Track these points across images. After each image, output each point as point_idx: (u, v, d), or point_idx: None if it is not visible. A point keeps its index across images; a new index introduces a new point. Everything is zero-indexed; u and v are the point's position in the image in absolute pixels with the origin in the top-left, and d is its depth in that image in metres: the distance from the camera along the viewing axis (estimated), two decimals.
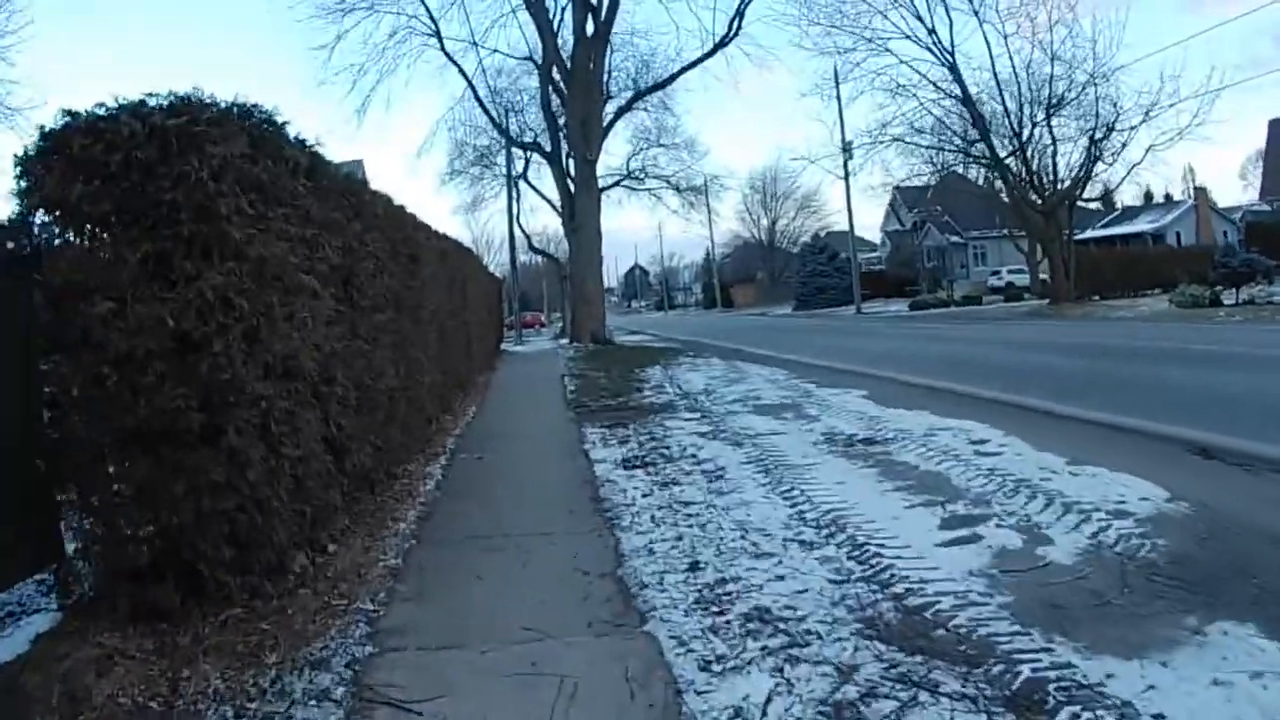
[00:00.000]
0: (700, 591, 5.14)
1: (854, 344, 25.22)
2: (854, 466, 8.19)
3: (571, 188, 30.31)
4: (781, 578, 5.33)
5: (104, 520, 4.83)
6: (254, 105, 5.37)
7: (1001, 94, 38.41)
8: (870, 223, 76.70)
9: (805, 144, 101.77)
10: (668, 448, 9.44)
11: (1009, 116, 38.49)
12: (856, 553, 5.73)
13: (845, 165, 53.86)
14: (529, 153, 44.11)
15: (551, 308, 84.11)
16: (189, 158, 4.74)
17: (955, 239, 65.55)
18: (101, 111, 4.85)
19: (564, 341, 33.57)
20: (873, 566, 5.47)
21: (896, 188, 72.15)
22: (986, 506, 6.59)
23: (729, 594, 5.09)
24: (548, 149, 33.00)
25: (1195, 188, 64.65)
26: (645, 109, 41.47)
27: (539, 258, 62.11)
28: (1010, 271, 59.05)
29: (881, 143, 40.88)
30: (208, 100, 5.00)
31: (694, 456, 8.95)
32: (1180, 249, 51.25)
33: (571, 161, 30.57)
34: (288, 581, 5.51)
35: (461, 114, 39.12)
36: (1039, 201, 39.28)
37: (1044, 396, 11.59)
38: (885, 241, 78.39)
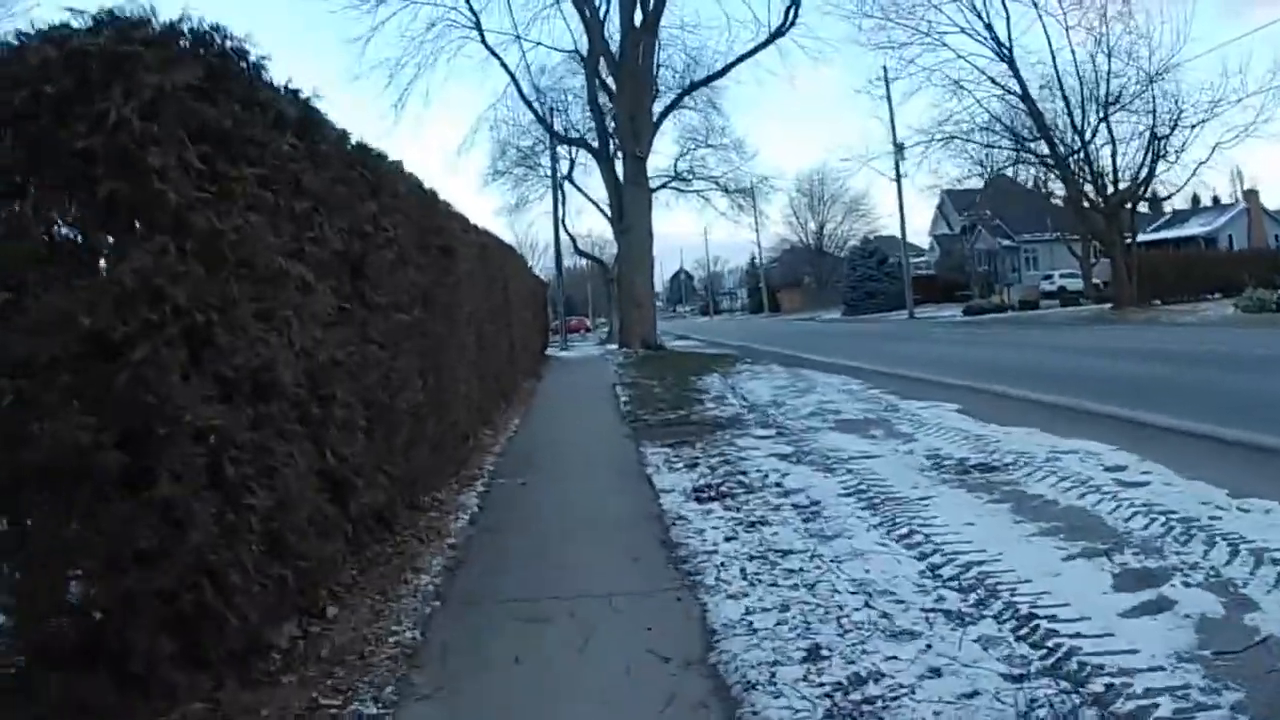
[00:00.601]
0: (831, 699, 3.59)
1: (919, 350, 23.57)
2: (978, 501, 6.60)
3: (620, 186, 28.94)
4: (937, 672, 3.78)
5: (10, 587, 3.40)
6: (216, 26, 3.90)
7: (1062, 89, 36.55)
8: (918, 227, 74.68)
9: (855, 145, 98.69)
10: (744, 473, 7.90)
11: (1070, 113, 36.64)
12: (1025, 630, 4.17)
13: (897, 166, 52.22)
14: (575, 151, 42.83)
15: (596, 312, 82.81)
16: (112, 90, 3.31)
17: (1006, 242, 63.56)
18: (14, 41, 3.45)
19: (611, 347, 32.13)
20: (1052, 651, 3.92)
21: (945, 191, 70.68)
22: (1161, 557, 5.01)
23: (872, 703, 3.55)
24: (595, 146, 31.64)
25: (1245, 191, 62.19)
26: (693, 107, 40.05)
27: (584, 261, 60.89)
28: (1063, 275, 57.17)
29: (939, 140, 39.02)
30: (144, 15, 3.56)
31: (779, 485, 7.40)
32: (1238, 252, 49.23)
33: (620, 160, 29.17)
34: (270, 662, 4.08)
35: (504, 111, 37.66)
36: (1100, 202, 37.33)
37: (1157, 410, 9.94)
38: (934, 246, 76.49)
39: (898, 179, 52.73)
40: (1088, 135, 36.47)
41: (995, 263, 65.68)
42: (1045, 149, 38.96)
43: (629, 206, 27.84)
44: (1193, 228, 60.33)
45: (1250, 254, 45.51)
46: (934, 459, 8.10)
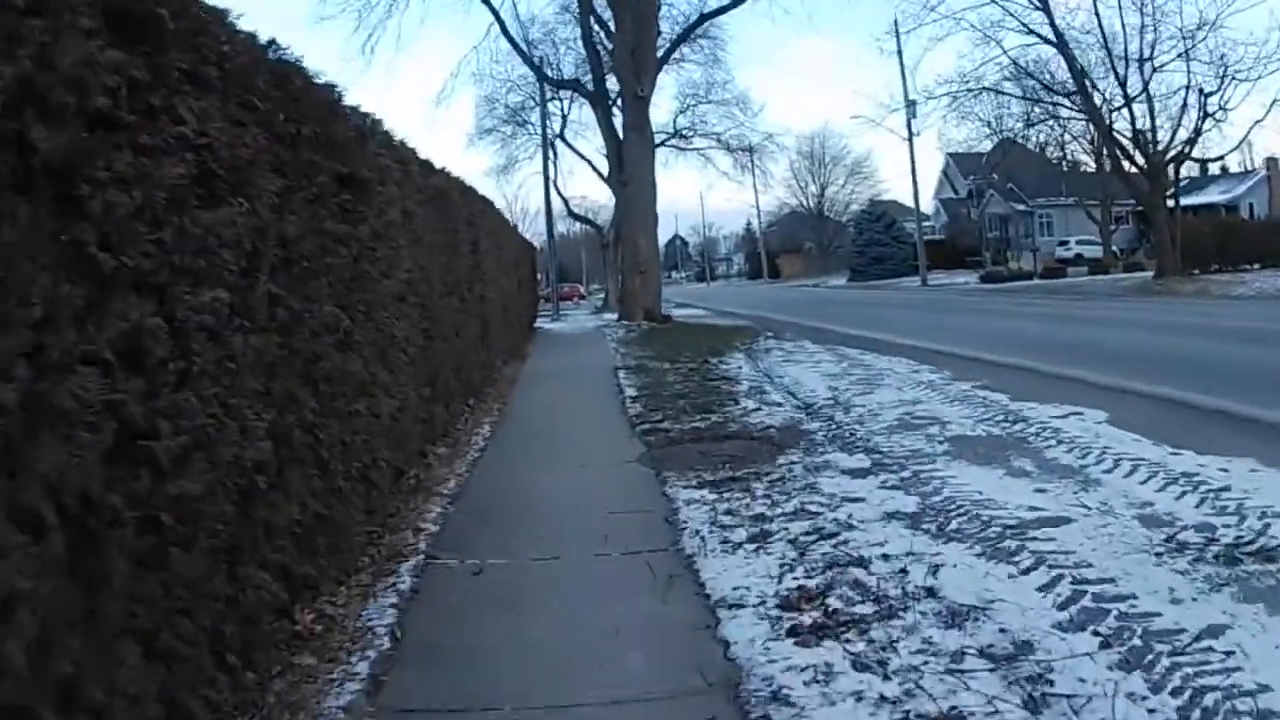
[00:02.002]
0: None
1: (964, 323, 20.22)
2: None
3: (620, 133, 25.21)
4: None
5: None
6: None
7: (1104, 38, 32.89)
8: (922, 191, 70.90)
9: (862, 105, 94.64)
10: (856, 559, 4.52)
11: (1113, 64, 33.00)
12: None
13: (909, 124, 48.67)
14: (568, 106, 39.31)
15: (591, 279, 79.23)
16: None
17: (1020, 207, 60.06)
18: None
19: (609, 317, 28.66)
20: None
21: (950, 155, 67.35)
22: None
23: None
24: (590, 90, 27.80)
25: (1267, 158, 58.74)
26: (696, 60, 36.67)
27: (578, 227, 57.45)
28: (1079, 242, 54.02)
29: (967, 91, 35.39)
30: None
31: (930, 594, 4.05)
32: (1271, 221, 45.86)
33: (620, 106, 25.53)
34: None
35: (487, 58, 34.26)
36: (1143, 163, 33.78)
37: None
38: (939, 210, 72.87)
39: (909, 138, 49.24)
40: (1132, 88, 32.82)
41: (1007, 228, 62.28)
42: (1072, 105, 35.44)
43: (629, 156, 24.13)
44: (1213, 194, 57.00)
45: None
46: (1155, 526, 4.80)
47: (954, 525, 5.00)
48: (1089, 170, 54.51)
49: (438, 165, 8.88)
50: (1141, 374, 10.10)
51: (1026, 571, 4.35)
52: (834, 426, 7.99)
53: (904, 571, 4.34)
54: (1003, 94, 36.09)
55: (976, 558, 4.53)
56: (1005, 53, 34.99)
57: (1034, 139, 52.43)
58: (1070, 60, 33.27)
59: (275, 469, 3.63)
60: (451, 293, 8.65)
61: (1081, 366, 11.04)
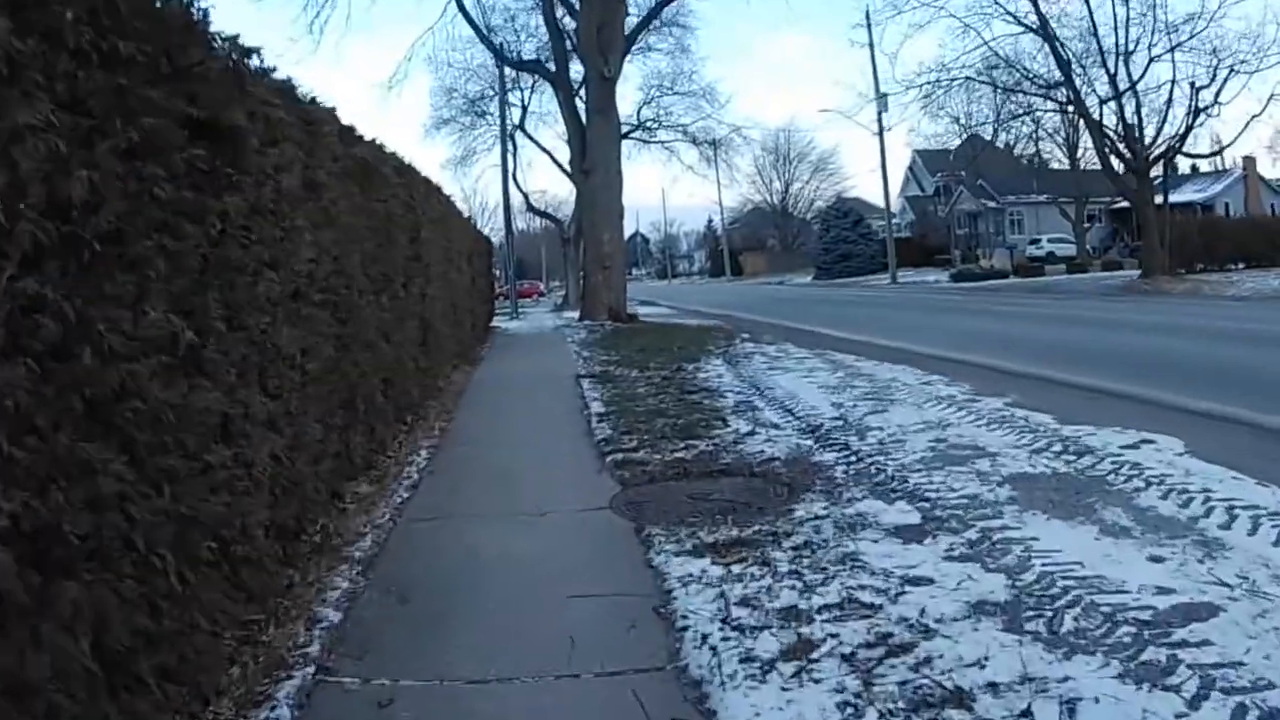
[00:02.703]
0: None
1: (952, 323, 18.91)
2: None
3: (584, 118, 23.52)
4: None
5: None
6: None
7: (1095, 30, 31.73)
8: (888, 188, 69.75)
9: (830, 99, 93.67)
10: (948, 690, 3.01)
11: (1102, 55, 31.82)
12: None
13: (880, 118, 47.58)
14: (528, 96, 37.77)
15: (551, 277, 77.55)
16: None
17: (991, 204, 59.07)
18: None
19: (569, 315, 27.06)
20: None
21: (918, 151, 66.47)
22: None
23: None
24: (552, 72, 25.90)
25: (1244, 157, 58.18)
26: (661, 48, 35.33)
27: (538, 222, 55.84)
28: (1051, 240, 53.17)
29: (952, 80, 34.08)
30: None
31: None
32: (1258, 220, 45.05)
33: (583, 89, 23.91)
34: None
35: (443, 37, 32.55)
36: (1130, 158, 32.67)
37: None
38: (905, 208, 71.86)
39: (880, 132, 48.14)
40: (1121, 81, 31.67)
41: (977, 225, 61.39)
42: (1056, 99, 34.36)
43: (593, 142, 22.34)
44: (1188, 193, 56.31)
45: (1271, 222, 41.61)
46: None
47: (1068, 624, 3.54)
48: (1061, 168, 53.99)
49: (395, 149, 7.37)
50: (1193, 388, 8.74)
51: (1195, 703, 2.94)
52: (854, 458, 6.52)
53: (1028, 717, 2.89)
54: (988, 84, 34.72)
55: (1120, 683, 3.08)
56: (987, 43, 33.83)
57: (1003, 137, 51.78)
58: (1056, 50, 32.11)
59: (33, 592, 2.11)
60: (381, 290, 7.10)
61: (1118, 378, 9.68)
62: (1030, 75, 34.53)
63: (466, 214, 21.12)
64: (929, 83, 33.83)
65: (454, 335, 12.62)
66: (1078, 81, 32.53)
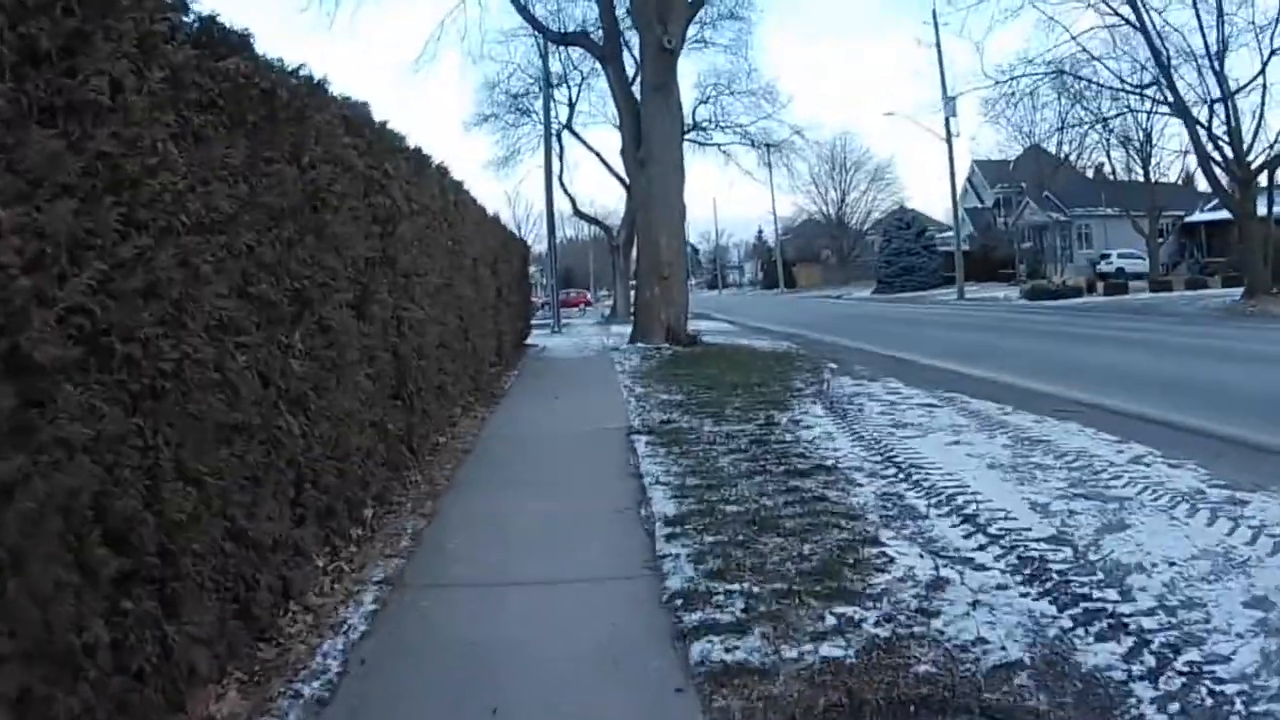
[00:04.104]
0: None
1: (1065, 353, 15.39)
2: None
3: (637, 103, 19.46)
4: None
5: None
6: None
7: (1200, 26, 27.91)
8: (943, 199, 66.00)
9: (900, 102, 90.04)
10: None
11: (1209, 53, 27.94)
12: None
13: (948, 123, 44.01)
14: (576, 93, 34.51)
15: (598, 285, 74.31)
16: None
17: (1059, 217, 54.89)
18: None
19: (616, 331, 23.70)
20: None
21: (976, 162, 62.67)
22: None
23: None
24: (600, 46, 22.26)
25: None
26: (719, 43, 32.05)
27: (586, 230, 52.71)
28: (1121, 255, 48.90)
29: (1043, 75, 30.46)
30: None
31: None
32: None
33: (639, 65, 20.52)
34: None
35: (475, 11, 29.34)
36: (1233, 166, 28.78)
37: None
38: (964, 220, 67.91)
39: (948, 137, 44.47)
40: (1227, 79, 27.85)
41: (1043, 239, 57.34)
42: (1153, 98, 30.58)
43: (651, 126, 18.04)
44: (1261, 206, 52.09)
45: None
46: None
47: None
48: (1122, 179, 50.16)
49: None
50: None
51: None
52: (1148, 653, 3.23)
53: None
54: (1079, 80, 31.04)
55: None
56: (1074, 38, 30.25)
57: (1066, 146, 48.21)
58: (1154, 45, 28.34)
59: None
60: (283, 319, 3.84)
61: None
62: (1118, 76, 30.91)
63: (504, 221, 17.90)
64: (1016, 77, 30.22)
65: (465, 367, 9.28)
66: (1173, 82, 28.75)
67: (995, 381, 11.47)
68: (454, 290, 8.41)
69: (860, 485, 5.98)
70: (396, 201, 5.90)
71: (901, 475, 6.27)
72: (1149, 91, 30.45)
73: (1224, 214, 50.43)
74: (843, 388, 10.77)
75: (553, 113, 31.78)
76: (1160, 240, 49.71)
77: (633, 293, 36.72)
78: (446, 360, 7.89)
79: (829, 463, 6.63)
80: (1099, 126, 39.10)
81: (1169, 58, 28.61)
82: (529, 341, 20.14)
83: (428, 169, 7.56)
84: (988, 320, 26.10)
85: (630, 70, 22.64)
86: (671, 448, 7.34)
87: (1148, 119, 41.26)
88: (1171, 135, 40.67)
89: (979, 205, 64.81)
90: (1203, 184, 49.85)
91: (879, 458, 6.85)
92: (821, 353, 15.89)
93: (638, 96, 19.62)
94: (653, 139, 18.00)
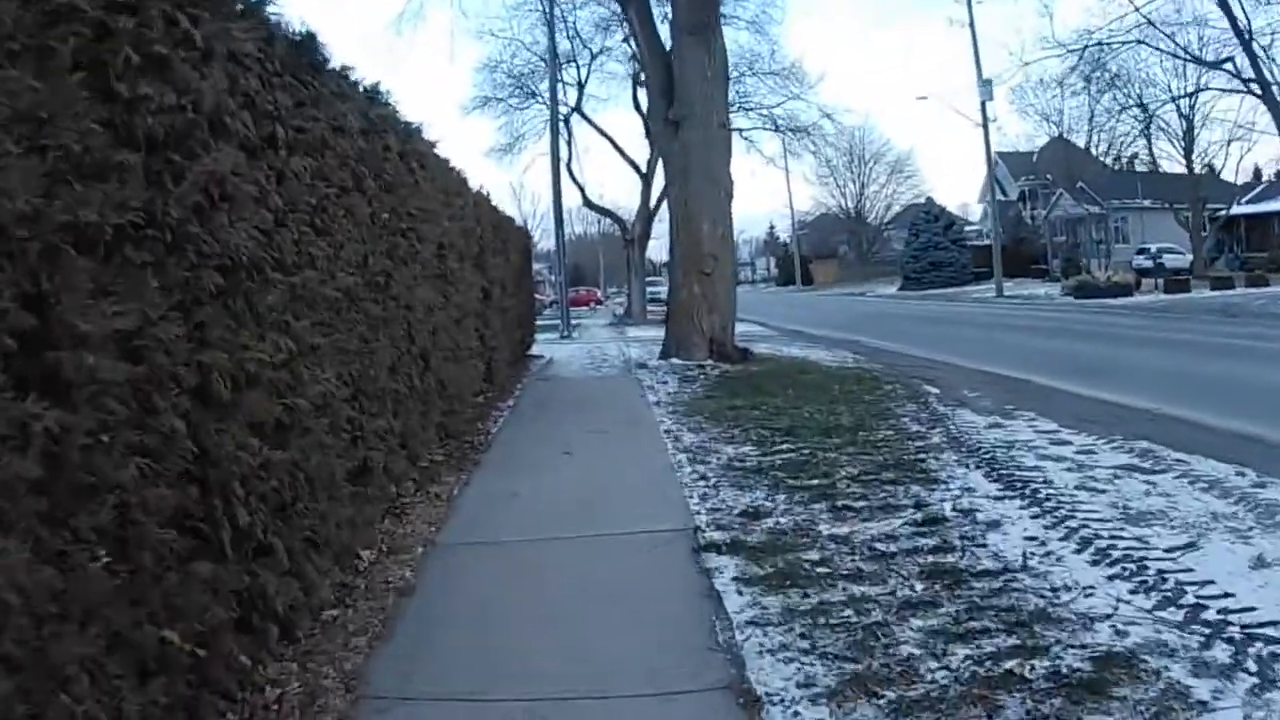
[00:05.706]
0: None
1: (1188, 365, 12.47)
2: None
3: (665, 51, 15.07)
4: None
5: None
6: None
7: None
8: (967, 192, 62.91)
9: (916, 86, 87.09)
10: None
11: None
12: None
13: (984, 108, 40.60)
14: (585, 73, 31.30)
15: (609, 282, 71.05)
16: None
17: (1095, 210, 51.49)
18: None
19: (634, 335, 20.48)
20: None
21: (1000, 154, 59.37)
22: None
23: None
24: None
25: None
26: (741, 16, 28.84)
27: (595, 224, 49.48)
28: (1161, 250, 45.45)
29: (1121, 45, 27.51)
30: None
31: None
32: None
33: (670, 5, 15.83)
34: None
35: None
36: None
37: None
38: (987, 213, 64.81)
39: (985, 124, 41.07)
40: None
41: (1077, 232, 54.04)
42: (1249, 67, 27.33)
43: (686, 76, 14.03)
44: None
45: None
46: None
47: None
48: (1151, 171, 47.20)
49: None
50: None
51: None
52: None
53: None
54: (1156, 50, 28.02)
55: None
56: (1138, 9, 27.16)
57: (1097, 136, 45.50)
58: (1232, 15, 25.18)
59: None
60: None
61: None
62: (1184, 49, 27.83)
63: (507, 213, 14.64)
64: (1085, 46, 27.24)
65: (435, 407, 6.04)
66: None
67: (1173, 417, 8.26)
68: (392, 295, 5.08)
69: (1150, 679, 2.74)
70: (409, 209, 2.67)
71: (1254, 673, 3.02)
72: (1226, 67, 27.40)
73: (1264, 206, 47.88)
74: (977, 430, 7.50)
75: (560, 95, 28.64)
76: (1204, 234, 46.60)
77: (649, 289, 33.16)
78: (420, 398, 4.67)
79: (1103, 637, 3.37)
80: (1137, 111, 36.43)
81: (1249, 32, 25.47)
82: (533, 352, 16.70)
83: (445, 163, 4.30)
84: (1054, 322, 22.62)
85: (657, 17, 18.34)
86: (785, 588, 4.02)
87: (1190, 105, 38.64)
88: (1215, 122, 37.33)
89: (1003, 198, 61.70)
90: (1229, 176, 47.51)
91: (1176, 612, 3.59)
92: (901, 368, 12.61)
93: (666, 44, 15.39)
94: (688, 93, 13.99)
